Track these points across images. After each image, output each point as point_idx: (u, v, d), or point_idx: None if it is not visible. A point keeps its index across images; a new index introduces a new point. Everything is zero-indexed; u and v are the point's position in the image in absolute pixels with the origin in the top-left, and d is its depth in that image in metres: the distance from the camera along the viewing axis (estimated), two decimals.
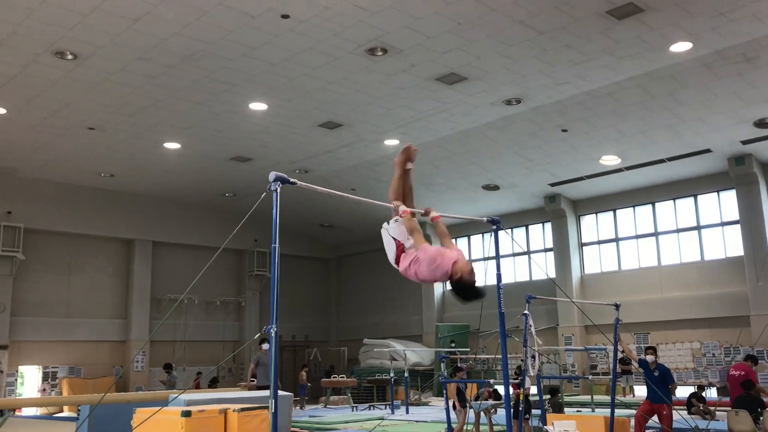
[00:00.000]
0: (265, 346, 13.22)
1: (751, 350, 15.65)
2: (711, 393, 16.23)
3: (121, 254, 20.57)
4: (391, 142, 15.80)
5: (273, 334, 4.08)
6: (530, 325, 9.56)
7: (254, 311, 22.87)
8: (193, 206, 21.17)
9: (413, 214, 5.07)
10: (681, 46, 11.21)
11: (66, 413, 17.11)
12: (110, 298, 20.17)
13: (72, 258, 19.49)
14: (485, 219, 6.58)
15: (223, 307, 22.35)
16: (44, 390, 18.40)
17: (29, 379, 18.92)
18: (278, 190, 4.36)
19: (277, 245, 4.23)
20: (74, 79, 12.02)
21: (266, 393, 7.18)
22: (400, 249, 4.98)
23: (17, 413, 16.05)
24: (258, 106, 13.58)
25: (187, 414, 6.65)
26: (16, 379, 18.13)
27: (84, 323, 19.38)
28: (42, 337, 18.56)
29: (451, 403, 10.53)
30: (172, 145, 15.85)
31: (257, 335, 5.28)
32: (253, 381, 13.32)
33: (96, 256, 20.01)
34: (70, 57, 11.11)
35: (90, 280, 19.77)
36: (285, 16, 10.06)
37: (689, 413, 12.99)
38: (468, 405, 10.53)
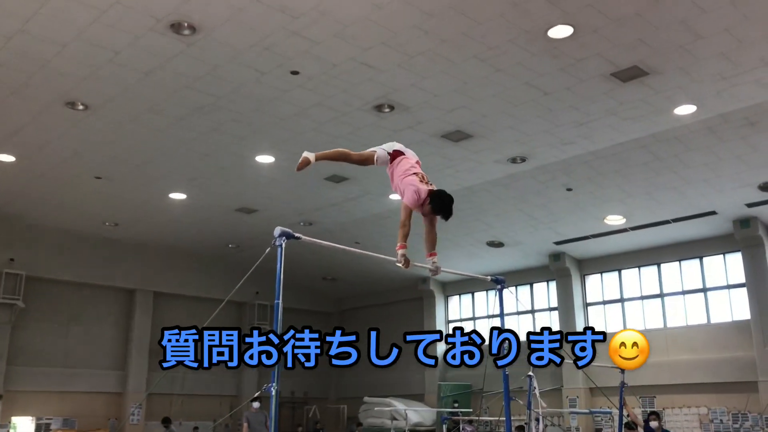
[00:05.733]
0: (255, 404, 12.89)
1: (759, 417, 15.31)
2: None
3: (122, 304, 20.42)
4: (397, 197, 15.81)
5: (273, 393, 4.00)
6: (534, 387, 9.39)
7: None
8: (196, 257, 21.10)
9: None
10: (685, 109, 11.30)
11: None
12: (109, 349, 19.92)
13: (72, 307, 19.33)
14: (489, 278, 6.53)
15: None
16: None
17: (22, 431, 18.54)
18: (283, 245, 4.34)
19: (280, 301, 4.19)
20: (84, 128, 12.15)
21: None
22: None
23: None
24: (265, 158, 13.67)
25: None
26: (8, 431, 17.76)
27: (81, 374, 19.09)
28: (38, 387, 18.23)
29: None
30: (177, 196, 15.91)
31: (257, 393, 5.17)
32: None
33: (97, 306, 19.85)
34: (81, 107, 11.26)
35: (89, 330, 19.56)
36: (294, 73, 10.22)
37: None
38: None
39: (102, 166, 14.05)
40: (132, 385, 19.64)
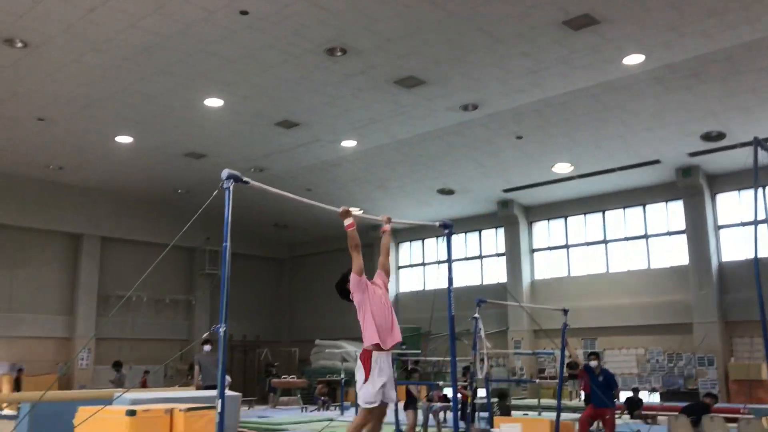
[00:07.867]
0: (207, 347, 12.81)
1: (692, 356, 16.09)
2: (654, 398, 16.64)
3: (69, 249, 20.05)
4: (349, 143, 15.79)
5: (222, 334, 4.04)
6: (480, 329, 9.67)
7: (204, 310, 22.56)
8: (143, 202, 20.77)
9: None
10: (634, 59, 11.48)
11: (6, 411, 16.57)
12: (56, 294, 19.63)
13: (16, 251, 18.90)
14: (437, 223, 6.63)
15: (173, 305, 21.98)
16: None
17: None
18: (231, 188, 4.32)
19: (228, 244, 4.19)
20: (23, 68, 11.68)
21: (213, 393, 7.09)
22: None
23: None
24: (214, 102, 13.41)
25: (132, 413, 6.53)
26: None
27: (27, 319, 18.82)
28: None
29: (402, 405, 10.56)
30: (124, 139, 15.54)
31: (205, 334, 5.24)
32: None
33: (42, 251, 19.46)
34: (19, 45, 10.79)
35: (35, 275, 19.20)
36: (244, 12, 9.97)
37: (631, 417, 13.32)
38: (417, 406, 10.60)
39: (44, 108, 13.58)
40: (80, 329, 19.47)
